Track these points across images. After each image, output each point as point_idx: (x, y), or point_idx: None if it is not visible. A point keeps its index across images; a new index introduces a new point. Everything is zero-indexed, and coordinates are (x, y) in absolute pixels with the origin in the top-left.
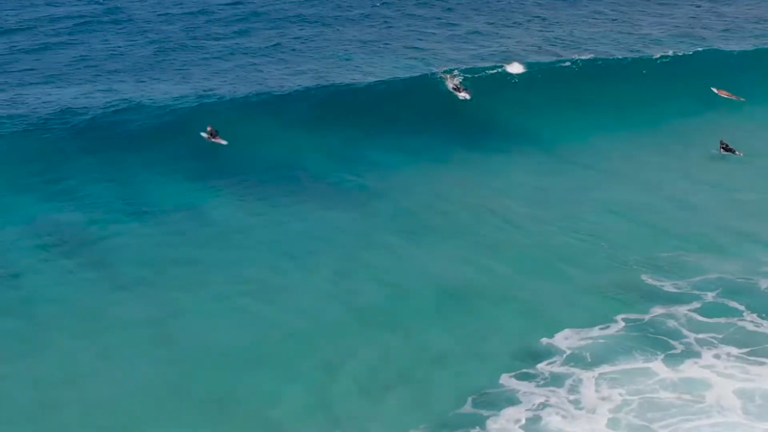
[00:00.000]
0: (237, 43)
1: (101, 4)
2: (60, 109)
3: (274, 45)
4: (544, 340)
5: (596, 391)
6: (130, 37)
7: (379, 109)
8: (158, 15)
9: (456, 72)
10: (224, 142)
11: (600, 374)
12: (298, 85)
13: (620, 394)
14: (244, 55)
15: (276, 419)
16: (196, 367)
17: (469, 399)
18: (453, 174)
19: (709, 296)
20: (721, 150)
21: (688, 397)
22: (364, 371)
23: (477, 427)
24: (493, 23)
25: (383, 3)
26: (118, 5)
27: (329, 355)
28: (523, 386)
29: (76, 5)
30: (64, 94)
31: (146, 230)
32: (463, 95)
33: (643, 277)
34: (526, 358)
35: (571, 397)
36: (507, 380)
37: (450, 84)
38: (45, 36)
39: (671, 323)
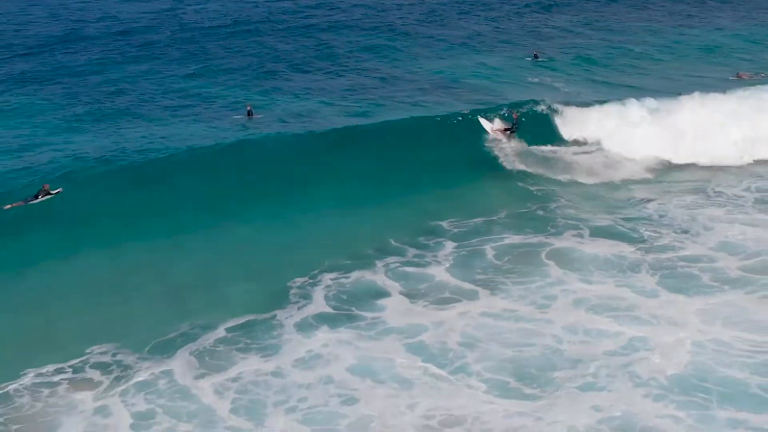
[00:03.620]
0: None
1: None
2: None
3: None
4: (434, 222)
5: (452, 248)
6: None
7: None
8: None
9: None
10: (260, 116)
11: (464, 243)
12: None
13: (469, 252)
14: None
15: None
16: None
17: (372, 249)
18: None
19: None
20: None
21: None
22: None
23: (366, 264)
24: None
25: None
26: None
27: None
28: (409, 248)
29: None
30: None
31: None
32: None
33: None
34: (418, 232)
35: (433, 254)
36: (400, 244)
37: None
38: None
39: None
